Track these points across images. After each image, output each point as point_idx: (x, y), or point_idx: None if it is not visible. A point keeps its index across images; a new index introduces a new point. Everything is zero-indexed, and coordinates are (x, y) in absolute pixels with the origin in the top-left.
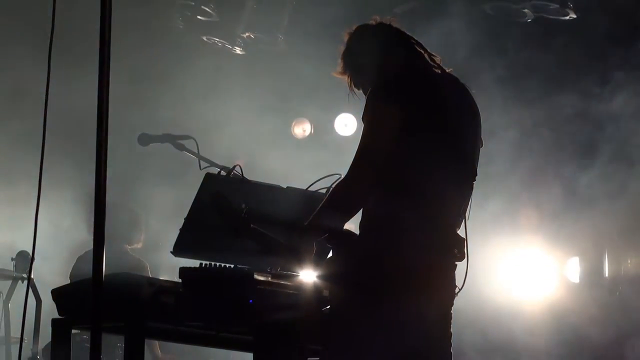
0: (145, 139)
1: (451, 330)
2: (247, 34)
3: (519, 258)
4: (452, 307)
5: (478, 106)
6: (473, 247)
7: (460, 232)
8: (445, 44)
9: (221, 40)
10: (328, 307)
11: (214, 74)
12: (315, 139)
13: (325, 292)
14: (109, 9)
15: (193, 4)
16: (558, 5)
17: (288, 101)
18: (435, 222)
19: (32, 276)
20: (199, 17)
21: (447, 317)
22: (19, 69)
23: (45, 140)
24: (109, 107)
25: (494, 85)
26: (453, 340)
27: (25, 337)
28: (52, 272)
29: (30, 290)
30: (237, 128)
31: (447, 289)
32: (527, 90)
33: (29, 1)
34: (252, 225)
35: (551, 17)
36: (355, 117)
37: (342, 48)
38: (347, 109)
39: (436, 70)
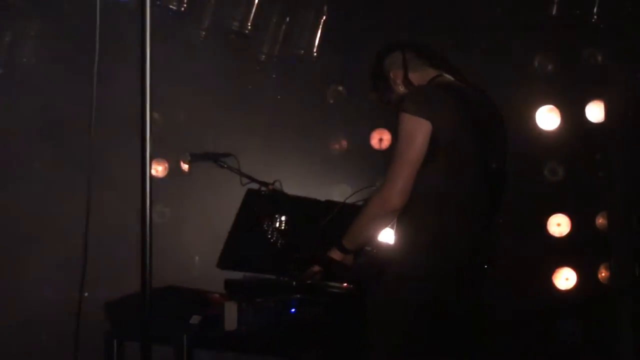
0: (191, 158)
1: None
2: (281, 52)
3: None
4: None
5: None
6: None
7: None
8: None
9: (257, 58)
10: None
11: (251, 93)
12: (351, 154)
13: (364, 300)
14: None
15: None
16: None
17: (324, 118)
18: (466, 231)
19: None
20: (236, 36)
21: (472, 312)
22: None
23: None
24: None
25: None
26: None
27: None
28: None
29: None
30: (276, 145)
31: (478, 291)
32: None
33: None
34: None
35: None
36: (390, 131)
37: (372, 66)
38: (381, 124)
39: (461, 84)
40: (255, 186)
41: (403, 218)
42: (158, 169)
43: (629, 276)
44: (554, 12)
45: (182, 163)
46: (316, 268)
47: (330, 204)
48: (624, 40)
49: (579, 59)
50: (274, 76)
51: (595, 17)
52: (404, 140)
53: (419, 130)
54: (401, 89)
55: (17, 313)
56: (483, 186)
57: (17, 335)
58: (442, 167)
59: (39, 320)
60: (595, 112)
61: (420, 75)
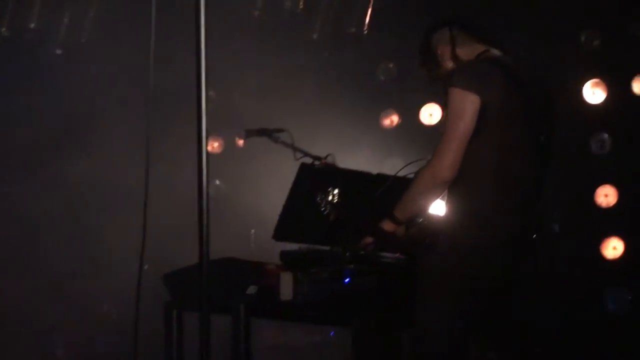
0: (246, 134)
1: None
2: (334, 28)
3: None
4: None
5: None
6: None
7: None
8: None
9: (309, 34)
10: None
11: (303, 70)
12: (402, 128)
13: (415, 270)
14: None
15: None
16: None
17: (375, 94)
18: (515, 202)
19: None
20: (288, 14)
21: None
22: None
23: None
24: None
25: None
26: None
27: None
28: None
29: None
30: (328, 120)
31: (525, 261)
32: None
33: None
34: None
35: None
36: (440, 106)
37: (420, 43)
38: (431, 100)
39: (510, 59)
40: (308, 160)
41: (453, 190)
42: (214, 145)
43: None
44: None
45: (237, 139)
46: (369, 239)
47: (381, 177)
48: None
49: (625, 33)
50: (326, 54)
51: None
52: (453, 115)
53: (468, 105)
54: (449, 64)
55: (81, 284)
56: (531, 159)
57: (81, 305)
58: (491, 140)
59: (101, 290)
60: None
61: (468, 51)
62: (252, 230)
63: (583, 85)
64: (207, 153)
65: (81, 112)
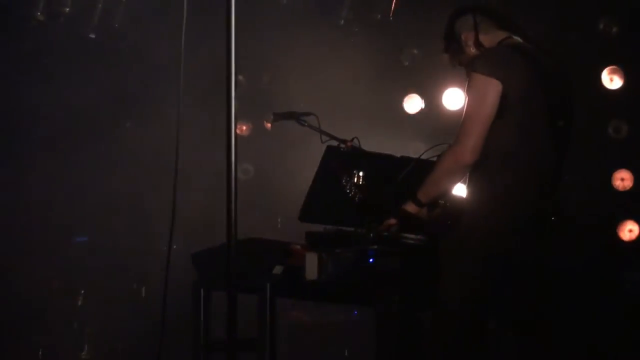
0: (274, 117)
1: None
2: (362, 16)
3: None
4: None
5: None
6: None
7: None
8: None
9: (339, 21)
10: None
11: (329, 53)
12: (426, 112)
13: (437, 251)
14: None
15: None
16: None
17: (400, 77)
18: (535, 186)
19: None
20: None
21: (542, 265)
22: None
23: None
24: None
25: None
26: None
27: None
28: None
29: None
30: (354, 104)
31: (547, 245)
32: None
33: None
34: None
35: None
36: (462, 90)
37: (444, 28)
38: (454, 84)
39: (531, 45)
40: (334, 143)
41: (475, 173)
42: (243, 128)
43: None
44: None
45: (265, 122)
46: (392, 220)
47: (405, 159)
48: None
49: None
50: (352, 39)
51: None
52: (476, 99)
53: (490, 90)
54: (472, 50)
55: (112, 261)
56: (551, 143)
57: (113, 282)
58: (512, 125)
59: (131, 269)
60: None
61: (491, 37)
62: (279, 211)
63: (601, 72)
64: (236, 136)
65: (112, 97)
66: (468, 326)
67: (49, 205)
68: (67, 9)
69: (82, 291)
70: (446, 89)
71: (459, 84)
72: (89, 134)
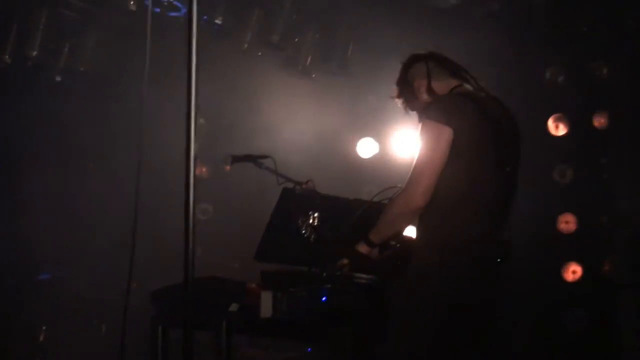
0: (230, 159)
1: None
2: (316, 66)
3: None
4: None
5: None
6: None
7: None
8: None
9: (294, 71)
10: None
11: (288, 100)
12: (379, 156)
13: (388, 290)
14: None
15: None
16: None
17: (355, 123)
18: (482, 228)
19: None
20: (275, 51)
21: (489, 306)
22: None
23: None
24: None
25: None
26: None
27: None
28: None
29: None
30: (310, 148)
31: (492, 284)
32: None
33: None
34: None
35: None
36: (414, 136)
37: (397, 75)
38: (406, 130)
39: (481, 94)
40: (290, 185)
41: (425, 216)
42: (202, 170)
43: (630, 270)
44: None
45: (224, 164)
46: (345, 260)
47: (358, 202)
48: (628, 54)
49: (587, 72)
50: (310, 86)
51: (601, 32)
52: (428, 145)
53: (441, 137)
54: (425, 97)
55: (73, 299)
56: (499, 188)
57: (71, 319)
58: (461, 170)
59: (91, 305)
60: (602, 119)
61: (442, 85)
62: (236, 251)
63: (547, 119)
64: (195, 177)
65: (77, 137)
66: None
67: (12, 242)
68: (35, 53)
69: (44, 327)
70: (399, 134)
71: (412, 130)
72: (52, 174)
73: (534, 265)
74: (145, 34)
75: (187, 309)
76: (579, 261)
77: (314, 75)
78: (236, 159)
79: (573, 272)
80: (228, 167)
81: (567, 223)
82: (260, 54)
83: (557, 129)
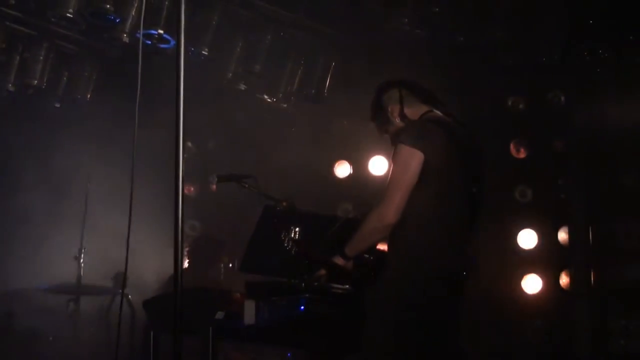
0: (217, 179)
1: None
2: (296, 93)
3: None
4: (460, 308)
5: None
6: None
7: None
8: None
9: (275, 98)
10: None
11: (269, 124)
12: (353, 177)
13: (362, 299)
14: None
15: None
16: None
17: (332, 145)
18: (449, 244)
19: (127, 291)
20: (257, 80)
21: (455, 317)
22: None
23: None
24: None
25: None
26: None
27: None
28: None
29: (125, 302)
30: (291, 168)
31: (457, 296)
32: None
33: None
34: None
35: None
36: (386, 158)
37: (371, 100)
38: (379, 153)
39: (449, 119)
40: (272, 202)
41: (396, 231)
42: (191, 189)
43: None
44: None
45: (210, 183)
46: (322, 272)
47: (334, 218)
48: (582, 82)
49: (545, 99)
50: (289, 112)
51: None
52: (400, 167)
53: (413, 159)
54: (397, 121)
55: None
56: (464, 206)
57: (70, 326)
58: (430, 190)
59: (87, 315)
60: (558, 144)
61: (414, 110)
62: (221, 263)
63: (509, 143)
64: (184, 195)
65: (72, 161)
66: None
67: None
68: (35, 81)
69: (50, 338)
70: (372, 156)
71: (384, 153)
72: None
73: (496, 278)
74: (137, 64)
75: (177, 316)
76: (539, 274)
77: (292, 99)
78: (221, 179)
79: (532, 285)
80: (214, 186)
81: (528, 239)
82: (243, 83)
83: (518, 152)
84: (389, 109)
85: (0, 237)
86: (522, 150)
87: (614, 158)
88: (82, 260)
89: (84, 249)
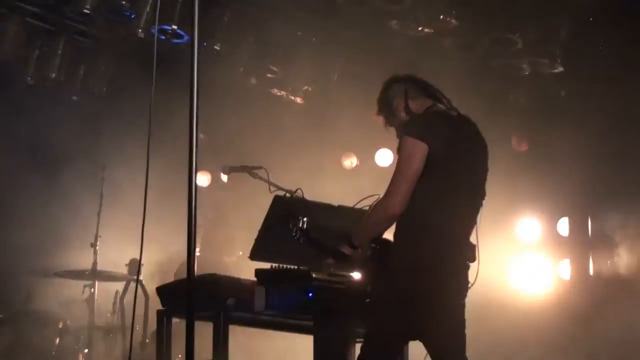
0: (227, 170)
1: (464, 318)
2: (305, 87)
3: None
4: (465, 299)
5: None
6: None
7: (472, 239)
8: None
9: (284, 92)
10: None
11: (279, 116)
12: (360, 169)
13: (368, 287)
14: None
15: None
16: (548, 61)
17: (339, 138)
18: (453, 233)
19: (141, 278)
20: (268, 74)
21: (460, 306)
22: None
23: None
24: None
25: None
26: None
27: (136, 326)
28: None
29: (139, 288)
30: (300, 160)
31: (461, 284)
32: None
33: None
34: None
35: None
36: (392, 150)
37: (378, 94)
38: (385, 145)
39: (453, 113)
40: (281, 193)
41: (402, 222)
42: (203, 179)
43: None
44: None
45: (222, 174)
46: (330, 260)
47: (342, 208)
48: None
49: (546, 95)
50: (298, 106)
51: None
52: (405, 159)
53: (418, 151)
54: (402, 114)
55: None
56: (468, 198)
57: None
58: (435, 181)
59: (105, 300)
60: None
61: (419, 104)
62: (232, 254)
63: (511, 136)
64: (197, 186)
65: (92, 153)
66: (391, 350)
67: None
68: (53, 75)
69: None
70: (378, 149)
71: (390, 145)
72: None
73: (497, 267)
74: (151, 58)
75: (190, 302)
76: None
77: (303, 94)
78: (233, 170)
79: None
80: (225, 177)
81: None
82: (253, 78)
83: (517, 146)
84: (395, 103)
85: (20, 225)
86: (522, 142)
87: None
88: (97, 247)
89: (100, 236)
